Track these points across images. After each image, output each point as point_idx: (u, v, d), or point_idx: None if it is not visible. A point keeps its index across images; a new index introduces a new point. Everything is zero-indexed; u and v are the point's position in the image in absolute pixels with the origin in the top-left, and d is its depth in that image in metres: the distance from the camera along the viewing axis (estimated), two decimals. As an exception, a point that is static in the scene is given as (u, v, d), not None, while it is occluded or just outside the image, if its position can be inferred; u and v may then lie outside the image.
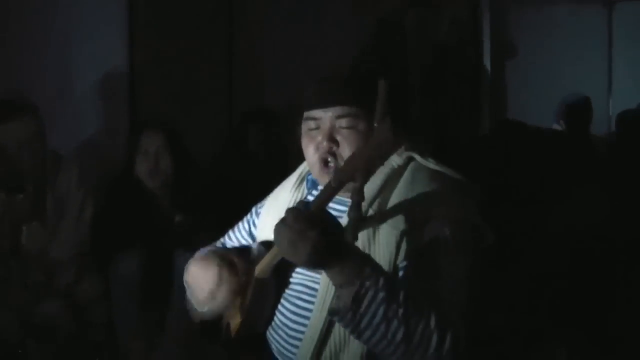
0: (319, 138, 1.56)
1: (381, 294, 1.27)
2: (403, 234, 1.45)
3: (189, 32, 3.83)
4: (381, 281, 1.29)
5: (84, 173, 2.80)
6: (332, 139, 1.54)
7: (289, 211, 1.30)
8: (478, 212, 1.51)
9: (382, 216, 1.49)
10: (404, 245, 1.44)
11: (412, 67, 4.59)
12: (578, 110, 4.26)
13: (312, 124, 1.58)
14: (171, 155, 2.77)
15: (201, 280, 1.61)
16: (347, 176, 1.32)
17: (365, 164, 1.30)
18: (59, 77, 3.33)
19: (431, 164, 1.57)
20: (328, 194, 1.35)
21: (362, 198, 1.32)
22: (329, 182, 1.34)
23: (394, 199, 1.51)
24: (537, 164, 3.02)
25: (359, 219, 1.32)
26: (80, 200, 2.75)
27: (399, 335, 1.27)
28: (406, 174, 1.55)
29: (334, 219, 1.34)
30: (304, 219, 1.27)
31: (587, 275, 2.55)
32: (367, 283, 1.27)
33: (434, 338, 1.28)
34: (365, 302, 1.27)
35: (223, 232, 1.96)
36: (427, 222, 1.45)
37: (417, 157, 1.58)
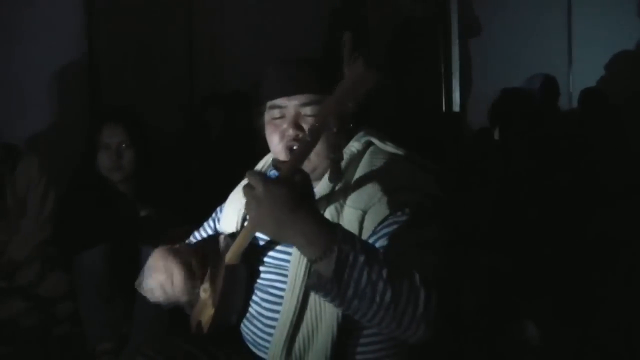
0: (284, 126, 1.54)
1: (361, 257, 1.24)
2: (364, 212, 1.44)
3: (148, 18, 3.76)
4: (357, 244, 1.26)
5: (44, 166, 2.74)
6: (297, 126, 1.52)
7: (252, 173, 1.27)
8: (436, 186, 1.52)
9: (344, 198, 1.48)
10: (366, 223, 1.44)
11: (376, 42, 4.56)
12: (547, 93, 4.28)
13: (276, 112, 1.56)
14: (134, 150, 2.71)
15: (153, 271, 1.59)
16: (321, 124, 1.29)
17: (337, 106, 1.26)
18: (15, 67, 3.24)
19: (390, 147, 1.58)
20: (303, 150, 1.32)
21: (341, 142, 1.31)
22: (303, 135, 1.31)
23: (354, 182, 1.51)
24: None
25: (338, 159, 1.30)
26: (41, 195, 2.69)
27: (387, 297, 1.24)
28: (365, 158, 1.55)
29: (306, 182, 1.30)
30: (268, 179, 1.25)
31: (555, 251, 2.58)
32: (345, 247, 1.24)
33: (422, 295, 1.25)
34: (348, 268, 1.23)
35: (189, 223, 1.94)
36: (387, 196, 1.45)
37: (376, 141, 1.58)
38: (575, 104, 4.74)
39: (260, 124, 1.63)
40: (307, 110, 1.52)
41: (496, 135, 3.54)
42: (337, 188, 1.51)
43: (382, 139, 1.59)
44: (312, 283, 1.27)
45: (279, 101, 1.55)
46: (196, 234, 1.88)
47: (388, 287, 1.24)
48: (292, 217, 1.24)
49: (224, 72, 4.10)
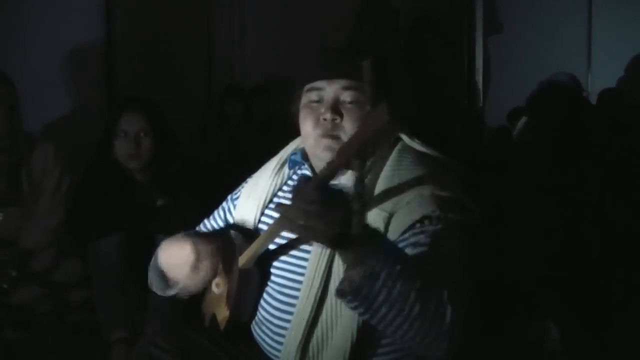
0: (322, 110, 1.52)
1: (398, 267, 1.23)
2: (390, 215, 1.42)
3: (167, 6, 3.75)
4: (396, 253, 1.27)
5: (59, 153, 2.73)
6: (335, 110, 1.50)
7: (302, 190, 1.22)
8: (463, 191, 1.49)
9: (370, 198, 1.45)
10: (391, 227, 1.41)
11: (402, 35, 4.50)
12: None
13: (314, 95, 1.55)
14: (152, 138, 2.69)
15: (178, 259, 1.59)
16: (342, 163, 1.25)
17: (361, 151, 1.21)
18: (32, 54, 3.24)
19: (417, 145, 1.56)
20: (324, 178, 1.28)
21: (364, 188, 1.25)
22: (323, 168, 1.27)
23: (382, 181, 1.49)
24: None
25: (363, 210, 1.24)
26: (55, 183, 2.68)
27: (416, 310, 1.22)
28: (393, 156, 1.52)
29: (342, 193, 1.26)
30: (319, 198, 1.20)
31: (576, 252, 2.55)
32: (383, 257, 1.23)
33: (449, 311, 1.23)
34: (383, 276, 1.21)
35: (205, 213, 1.93)
36: (413, 201, 1.43)
37: (405, 137, 1.56)
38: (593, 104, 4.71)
39: (295, 109, 1.61)
40: (347, 95, 1.51)
41: (516, 132, 3.49)
42: None
43: (410, 135, 1.56)
44: (342, 288, 1.24)
45: (318, 83, 1.54)
46: (206, 222, 1.86)
47: (418, 300, 1.22)
48: (344, 234, 1.22)
49: (243, 63, 4.09)
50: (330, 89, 1.52)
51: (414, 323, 1.23)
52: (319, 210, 1.19)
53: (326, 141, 1.51)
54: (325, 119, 1.51)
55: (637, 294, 2.42)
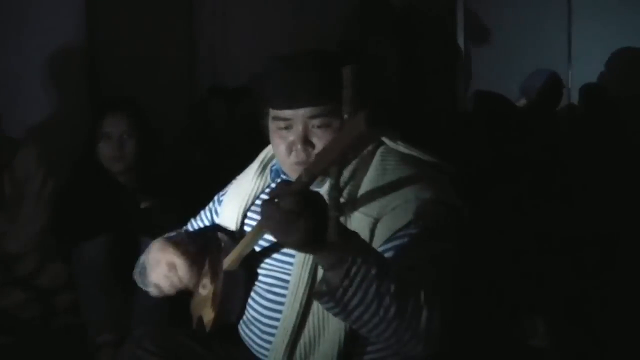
0: (291, 139, 1.47)
1: (373, 270, 1.20)
2: (376, 220, 1.41)
3: (149, 7, 3.73)
4: (372, 256, 1.24)
5: (42, 156, 2.72)
6: (306, 142, 1.46)
7: (279, 189, 1.21)
8: (452, 192, 1.47)
9: (354, 204, 1.45)
10: (377, 232, 1.41)
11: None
12: (549, 94, 4.26)
13: (281, 123, 1.48)
14: (136, 140, 2.69)
15: (155, 265, 1.62)
16: (320, 171, 1.21)
17: (338, 159, 1.17)
18: (14, 56, 3.21)
19: (401, 147, 1.53)
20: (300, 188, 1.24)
21: (340, 194, 1.22)
22: (300, 175, 1.23)
23: (365, 186, 1.47)
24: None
25: (338, 216, 1.20)
26: (38, 187, 2.67)
27: (391, 312, 1.21)
28: (376, 159, 1.50)
29: (321, 200, 1.24)
30: (293, 200, 1.17)
31: (566, 249, 2.58)
32: (359, 258, 1.20)
33: (424, 313, 1.22)
34: (357, 279, 1.20)
35: (190, 215, 1.93)
36: (399, 206, 1.41)
37: (387, 140, 1.54)
38: (573, 100, 4.75)
39: (265, 124, 1.57)
40: (315, 121, 1.45)
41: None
42: (345, 191, 1.46)
43: (392, 137, 1.53)
44: (318, 290, 1.23)
45: (284, 113, 1.47)
46: (193, 222, 1.86)
47: (394, 302, 1.21)
48: (317, 237, 1.18)
49: (226, 64, 4.08)
50: (297, 118, 1.45)
51: (389, 325, 1.22)
52: (291, 218, 1.15)
53: (301, 169, 1.43)
54: (296, 150, 1.47)
55: (622, 290, 2.45)
